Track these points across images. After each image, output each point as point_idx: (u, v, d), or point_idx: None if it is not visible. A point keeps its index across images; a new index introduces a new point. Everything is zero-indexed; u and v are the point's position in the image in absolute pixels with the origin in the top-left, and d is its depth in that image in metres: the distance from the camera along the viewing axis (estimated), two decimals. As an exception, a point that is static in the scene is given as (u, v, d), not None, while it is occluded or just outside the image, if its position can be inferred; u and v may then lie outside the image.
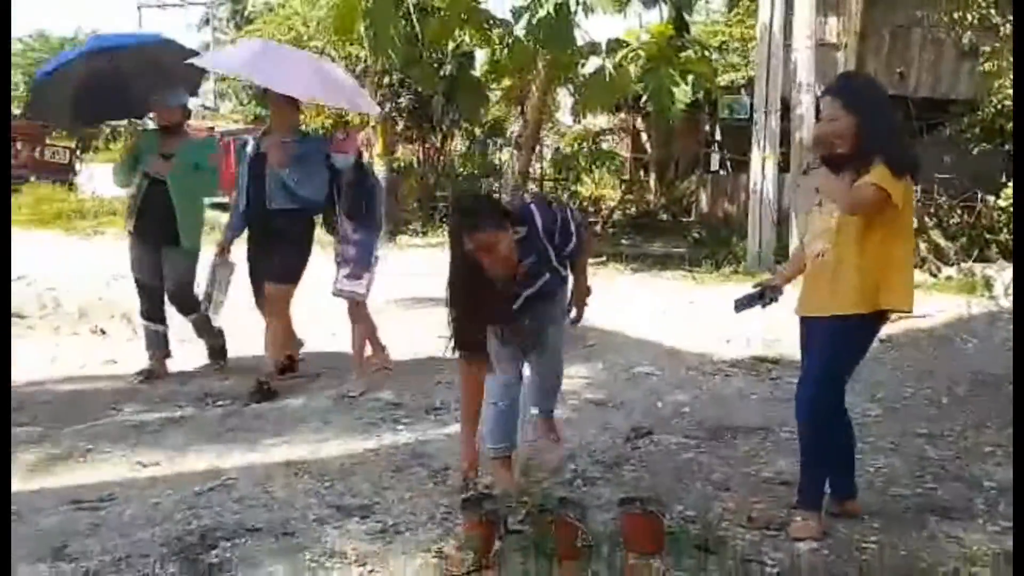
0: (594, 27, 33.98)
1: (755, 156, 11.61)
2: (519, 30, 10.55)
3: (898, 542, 3.15)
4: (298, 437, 4.42)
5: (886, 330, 6.80)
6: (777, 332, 6.18)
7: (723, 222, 15.14)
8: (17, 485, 3.57)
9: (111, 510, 3.46)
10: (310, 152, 5.24)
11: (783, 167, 11.72)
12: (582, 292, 3.74)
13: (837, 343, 3.21)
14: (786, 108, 11.37)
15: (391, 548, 3.10)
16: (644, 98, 12.09)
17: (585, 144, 17.18)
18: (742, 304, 3.54)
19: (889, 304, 3.17)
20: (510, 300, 3.46)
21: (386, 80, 14.04)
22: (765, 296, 3.48)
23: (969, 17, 12.70)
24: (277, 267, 5.18)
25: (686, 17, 12.09)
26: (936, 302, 8.50)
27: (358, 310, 5.37)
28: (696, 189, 17.53)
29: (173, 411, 4.87)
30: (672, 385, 5.50)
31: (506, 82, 15.14)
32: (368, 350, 5.59)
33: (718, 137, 18.11)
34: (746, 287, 3.67)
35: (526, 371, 3.75)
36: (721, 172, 17.80)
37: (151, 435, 4.45)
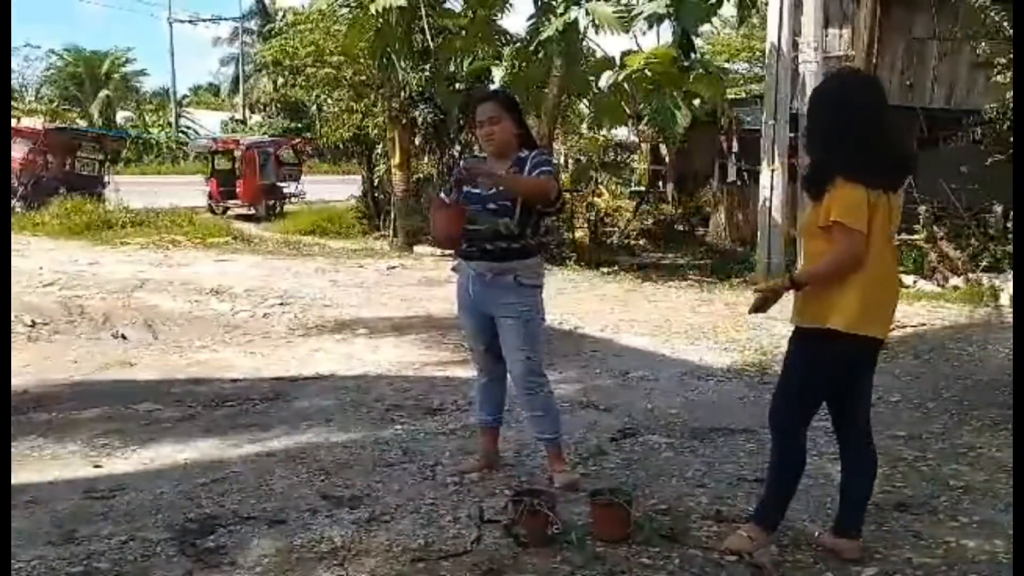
0: (610, 44, 34.06)
1: (764, 167, 11.73)
2: (532, 46, 10.81)
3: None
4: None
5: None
6: (779, 341, 6.38)
7: (738, 232, 15.24)
8: (34, 476, 3.84)
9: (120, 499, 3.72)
10: None
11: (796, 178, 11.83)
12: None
13: (789, 355, 3.14)
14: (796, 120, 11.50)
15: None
16: (645, 120, 12.29)
17: (597, 155, 17.35)
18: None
19: (836, 323, 2.90)
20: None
21: (402, 95, 14.32)
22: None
23: (983, 29, 12.75)
24: None
25: (693, 37, 12.24)
26: (941, 311, 8.63)
27: None
28: (712, 200, 17.62)
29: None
30: (664, 390, 5.68)
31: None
32: None
33: (736, 148, 18.18)
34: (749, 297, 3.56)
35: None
36: (738, 183, 17.88)
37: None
